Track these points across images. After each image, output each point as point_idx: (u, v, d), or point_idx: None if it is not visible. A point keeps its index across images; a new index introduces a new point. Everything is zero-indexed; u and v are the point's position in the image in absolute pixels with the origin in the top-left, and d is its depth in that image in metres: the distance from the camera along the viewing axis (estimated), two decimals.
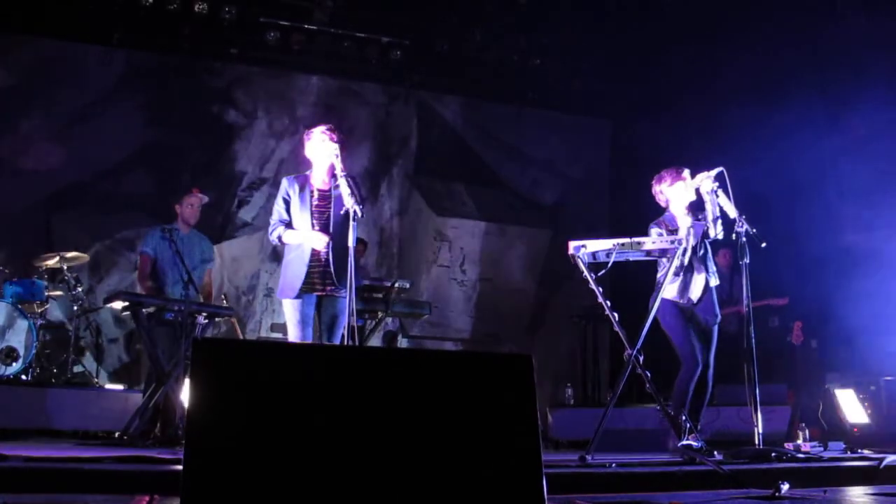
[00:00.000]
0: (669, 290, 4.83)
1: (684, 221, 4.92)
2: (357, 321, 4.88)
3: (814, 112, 6.59)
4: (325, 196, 4.54)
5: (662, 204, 5.09)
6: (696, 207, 5.01)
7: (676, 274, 4.78)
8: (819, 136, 6.53)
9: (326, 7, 8.52)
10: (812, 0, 6.97)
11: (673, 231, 4.86)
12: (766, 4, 7.38)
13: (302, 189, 4.53)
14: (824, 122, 6.56)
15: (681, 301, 4.86)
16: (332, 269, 4.42)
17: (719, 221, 4.84)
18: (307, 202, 4.49)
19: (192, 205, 5.89)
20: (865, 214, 7.01)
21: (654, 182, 5.09)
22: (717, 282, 5.00)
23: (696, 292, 4.90)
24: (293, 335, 4.45)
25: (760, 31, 7.45)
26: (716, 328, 4.97)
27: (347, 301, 4.16)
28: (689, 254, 4.73)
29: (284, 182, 4.60)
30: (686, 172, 5.00)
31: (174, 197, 6.05)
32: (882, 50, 6.64)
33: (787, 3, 7.18)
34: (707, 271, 4.93)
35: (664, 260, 4.79)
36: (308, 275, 4.42)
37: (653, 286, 4.90)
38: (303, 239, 4.45)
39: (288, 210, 4.52)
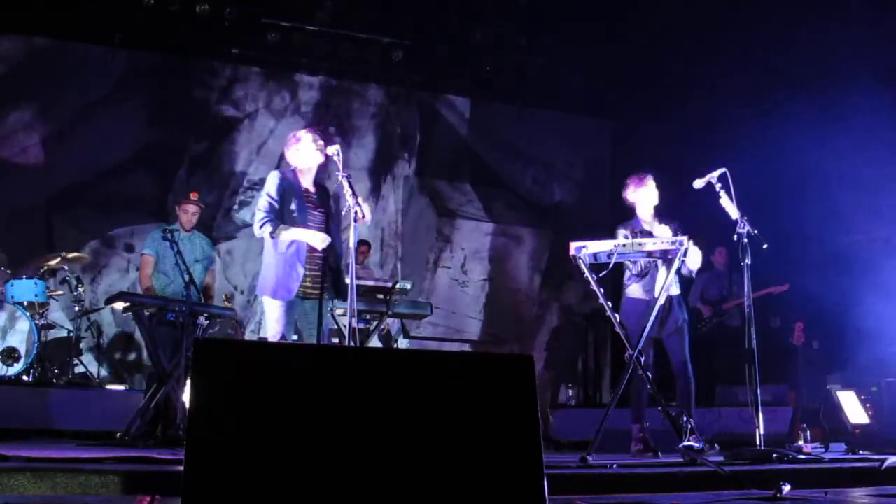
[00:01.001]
0: (634, 289, 5.11)
1: (655, 227, 5.09)
2: (358, 322, 4.86)
3: (815, 112, 6.58)
4: (313, 199, 4.48)
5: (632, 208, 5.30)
6: (663, 212, 5.21)
7: (639, 275, 5.02)
8: (821, 135, 6.51)
9: (327, 8, 8.52)
10: (813, 1, 6.96)
11: (640, 233, 5.02)
12: (766, 5, 7.37)
13: (294, 187, 4.41)
14: (826, 121, 6.54)
15: (645, 298, 5.00)
16: (325, 273, 4.37)
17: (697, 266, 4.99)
18: (301, 202, 4.41)
19: (186, 211, 5.96)
20: (868, 215, 7.00)
21: (622, 189, 5.32)
22: (678, 291, 5.18)
23: (659, 292, 4.91)
24: (273, 331, 4.28)
25: (760, 32, 7.44)
26: (686, 326, 5.16)
27: (349, 302, 4.13)
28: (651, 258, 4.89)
29: (275, 176, 4.41)
30: (648, 178, 5.21)
31: (174, 197, 6.08)
32: (883, 49, 6.63)
33: (788, 4, 7.17)
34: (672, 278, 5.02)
35: (630, 263, 5.01)
36: (301, 276, 4.31)
37: None
38: (301, 236, 4.31)
39: (278, 204, 4.34)
